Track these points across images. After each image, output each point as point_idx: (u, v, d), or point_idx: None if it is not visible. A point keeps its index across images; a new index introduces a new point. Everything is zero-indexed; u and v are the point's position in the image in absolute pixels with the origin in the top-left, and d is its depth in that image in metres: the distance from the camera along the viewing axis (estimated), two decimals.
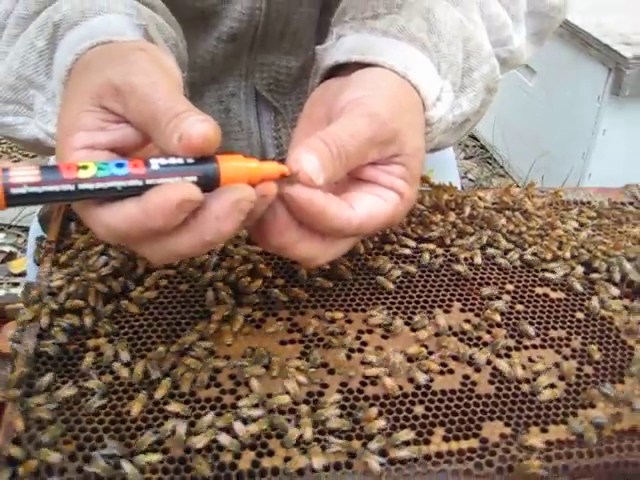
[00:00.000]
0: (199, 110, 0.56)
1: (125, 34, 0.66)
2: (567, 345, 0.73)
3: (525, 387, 0.68)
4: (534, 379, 0.68)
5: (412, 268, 0.80)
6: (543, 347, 0.73)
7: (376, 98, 0.65)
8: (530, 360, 0.71)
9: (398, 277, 0.79)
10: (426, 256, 0.81)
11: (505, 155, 3.00)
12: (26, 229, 2.54)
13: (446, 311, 0.76)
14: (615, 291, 0.80)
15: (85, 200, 0.55)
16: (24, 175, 0.51)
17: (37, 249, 0.80)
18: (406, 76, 0.69)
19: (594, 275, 0.82)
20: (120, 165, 0.54)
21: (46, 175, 0.52)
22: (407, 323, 0.73)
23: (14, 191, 0.51)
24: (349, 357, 0.69)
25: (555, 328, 0.75)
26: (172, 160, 0.54)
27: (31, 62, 0.71)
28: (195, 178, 0.54)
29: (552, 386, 0.68)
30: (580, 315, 0.77)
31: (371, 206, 0.63)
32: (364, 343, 0.71)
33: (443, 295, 0.78)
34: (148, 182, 0.53)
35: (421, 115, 0.71)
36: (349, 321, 0.73)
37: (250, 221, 0.58)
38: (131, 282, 0.75)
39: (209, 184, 0.55)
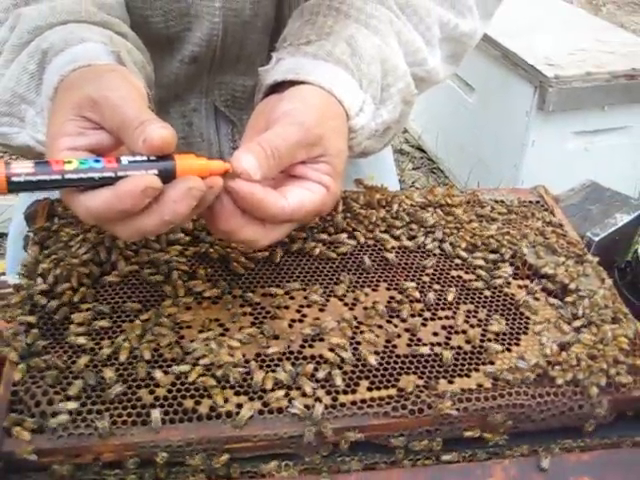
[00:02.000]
0: (160, 119, 0.71)
1: (100, 59, 0.82)
2: (474, 316, 0.88)
3: (437, 349, 0.82)
4: (446, 343, 0.83)
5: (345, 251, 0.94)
6: (454, 318, 0.87)
7: (303, 109, 0.81)
8: (443, 328, 0.85)
9: (334, 261, 0.93)
10: (360, 240, 0.96)
11: (448, 165, 3.18)
12: (1, 235, 2.63)
13: (374, 290, 0.90)
14: (510, 271, 0.95)
15: (69, 188, 0.71)
16: (22, 167, 0.68)
17: (26, 238, 0.92)
18: (331, 91, 0.85)
19: (500, 259, 0.97)
20: (97, 161, 0.70)
21: (39, 167, 0.68)
22: (340, 299, 0.87)
23: (14, 179, 0.67)
24: (291, 326, 0.82)
25: (465, 303, 0.90)
26: (138, 157, 0.71)
27: (24, 82, 0.86)
28: (156, 171, 0.70)
29: (452, 348, 0.82)
30: (487, 292, 0.91)
31: (301, 196, 0.78)
32: (304, 315, 0.84)
33: (372, 277, 0.92)
34: (119, 174, 0.70)
35: (344, 123, 0.87)
36: (292, 297, 0.87)
37: (201, 208, 0.74)
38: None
39: (167, 176, 0.71)
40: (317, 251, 0.93)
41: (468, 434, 0.76)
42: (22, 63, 0.86)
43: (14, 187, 0.67)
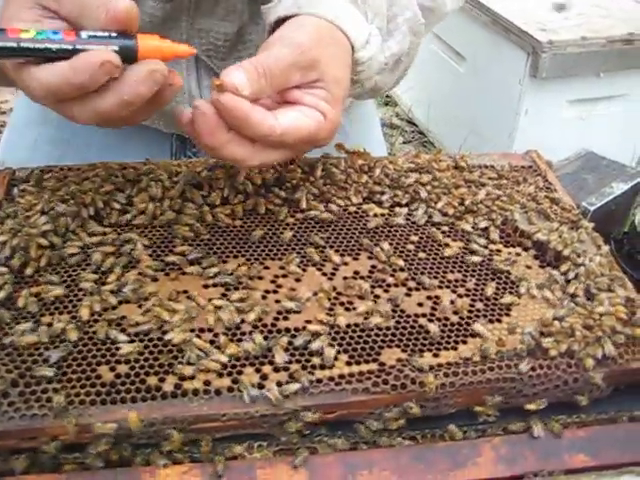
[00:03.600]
0: None
1: None
2: (462, 286, 0.82)
3: (422, 320, 0.76)
4: (432, 314, 0.77)
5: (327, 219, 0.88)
6: (440, 287, 0.82)
7: (299, 33, 0.79)
8: (428, 298, 0.80)
9: (313, 229, 0.87)
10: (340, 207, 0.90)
11: (440, 137, 3.11)
12: None
13: (355, 259, 0.84)
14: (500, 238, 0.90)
15: (23, 59, 0.68)
16: None
17: None
18: (335, 22, 0.82)
19: (488, 226, 0.91)
20: (55, 33, 0.68)
21: None
22: (319, 269, 0.82)
23: None
24: (264, 297, 0.77)
25: (452, 272, 0.84)
26: (99, 33, 0.68)
27: None
28: (117, 48, 0.68)
29: (438, 320, 0.77)
30: (476, 260, 0.86)
31: (294, 119, 0.76)
32: (279, 286, 0.79)
33: (353, 246, 0.86)
34: (78, 47, 0.68)
35: (346, 52, 0.83)
36: (267, 267, 0.81)
37: (161, 100, 0.73)
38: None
39: (129, 56, 0.69)
40: (292, 220, 0.88)
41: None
42: None
43: None
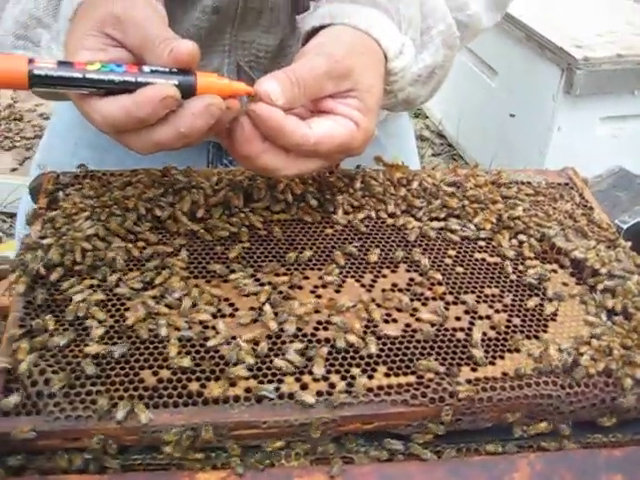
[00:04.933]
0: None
1: None
2: (499, 301, 0.83)
3: (459, 334, 0.77)
4: (468, 328, 0.78)
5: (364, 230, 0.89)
6: (478, 302, 0.82)
7: (333, 43, 0.80)
8: (465, 312, 0.80)
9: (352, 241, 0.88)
10: (378, 220, 0.91)
11: (469, 151, 3.11)
12: (11, 215, 2.62)
13: (393, 271, 0.85)
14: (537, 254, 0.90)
15: (88, 92, 0.71)
16: (45, 62, 0.69)
17: (29, 213, 0.88)
18: (368, 32, 0.83)
19: (525, 242, 0.91)
20: (119, 66, 0.71)
21: (61, 65, 0.70)
22: (357, 281, 0.82)
23: (36, 72, 0.68)
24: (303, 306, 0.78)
25: (490, 287, 0.84)
26: (160, 68, 0.71)
27: (41, 5, 0.86)
28: (176, 82, 0.71)
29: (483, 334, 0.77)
30: (513, 277, 0.86)
31: (328, 128, 0.77)
32: (319, 296, 0.80)
33: (392, 258, 0.86)
34: (140, 79, 0.70)
35: (379, 61, 0.85)
36: (306, 277, 0.82)
37: (218, 127, 0.74)
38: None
39: (188, 91, 0.71)
40: (331, 231, 0.88)
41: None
42: None
43: (36, 81, 0.68)
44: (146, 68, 0.71)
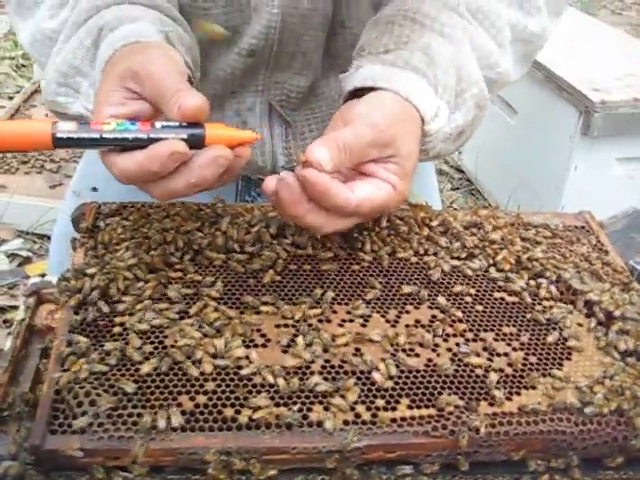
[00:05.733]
0: (195, 90, 0.80)
1: (149, 36, 0.89)
2: (517, 339, 0.86)
3: (478, 371, 0.81)
4: (488, 366, 0.82)
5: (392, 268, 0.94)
6: (496, 340, 0.86)
7: (378, 112, 0.86)
8: (484, 349, 0.84)
9: (378, 277, 0.92)
10: (402, 258, 0.95)
11: (487, 186, 3.16)
12: (42, 236, 2.69)
13: (416, 308, 0.89)
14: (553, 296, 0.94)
15: (107, 149, 0.80)
16: (66, 126, 0.78)
17: (73, 241, 0.93)
18: (409, 98, 0.89)
19: (543, 283, 0.95)
20: (133, 124, 0.79)
21: (81, 127, 0.79)
22: (382, 316, 0.87)
23: (59, 135, 0.77)
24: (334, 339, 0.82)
25: (508, 325, 0.88)
26: (171, 123, 0.79)
27: (79, 56, 0.94)
28: (185, 136, 0.78)
29: (494, 371, 0.81)
30: (530, 316, 0.90)
31: (368, 191, 0.84)
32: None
33: (415, 296, 0.91)
34: (151, 136, 0.78)
35: (418, 126, 0.91)
36: (334, 312, 0.87)
37: (230, 174, 0.82)
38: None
39: (197, 142, 0.79)
40: (356, 267, 0.93)
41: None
42: (80, 38, 0.94)
43: (59, 143, 0.77)
44: (158, 124, 0.79)
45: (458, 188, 3.38)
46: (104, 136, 0.78)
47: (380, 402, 0.75)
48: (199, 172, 0.78)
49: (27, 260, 2.66)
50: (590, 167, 2.42)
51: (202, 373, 0.75)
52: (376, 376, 0.77)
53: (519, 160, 2.80)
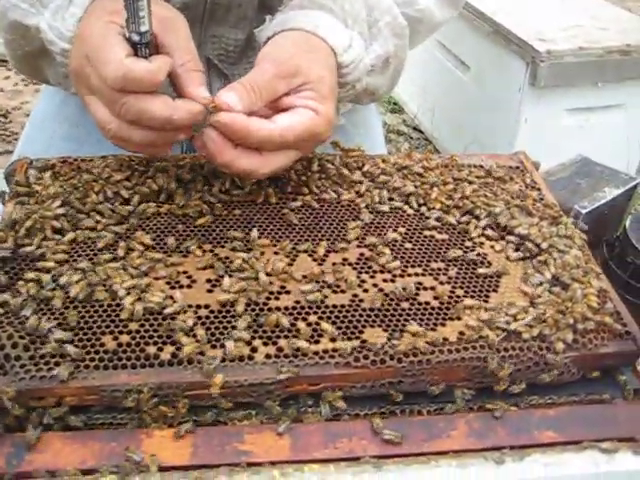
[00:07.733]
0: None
1: None
2: (445, 274, 0.88)
3: (405, 304, 0.82)
4: (414, 298, 0.83)
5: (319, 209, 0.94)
6: (424, 275, 0.87)
7: (279, 48, 0.89)
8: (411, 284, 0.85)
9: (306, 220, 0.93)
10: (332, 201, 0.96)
11: (444, 144, 3.17)
12: None
13: (344, 248, 0.89)
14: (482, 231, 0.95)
15: None
16: None
17: (2, 194, 0.92)
18: (315, 32, 0.91)
19: (473, 220, 0.96)
20: None
21: None
22: (310, 255, 0.87)
23: None
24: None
25: (436, 261, 0.89)
26: None
27: None
28: None
29: (419, 304, 0.82)
30: (459, 252, 0.91)
31: (289, 119, 0.84)
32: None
33: (344, 234, 0.91)
34: None
35: (327, 57, 0.92)
36: (262, 253, 0.87)
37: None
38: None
39: None
40: (286, 211, 0.94)
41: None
42: None
43: None
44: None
45: (417, 147, 3.39)
46: None
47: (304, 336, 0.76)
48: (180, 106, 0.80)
49: None
50: (540, 119, 2.44)
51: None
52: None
53: (473, 116, 2.81)
